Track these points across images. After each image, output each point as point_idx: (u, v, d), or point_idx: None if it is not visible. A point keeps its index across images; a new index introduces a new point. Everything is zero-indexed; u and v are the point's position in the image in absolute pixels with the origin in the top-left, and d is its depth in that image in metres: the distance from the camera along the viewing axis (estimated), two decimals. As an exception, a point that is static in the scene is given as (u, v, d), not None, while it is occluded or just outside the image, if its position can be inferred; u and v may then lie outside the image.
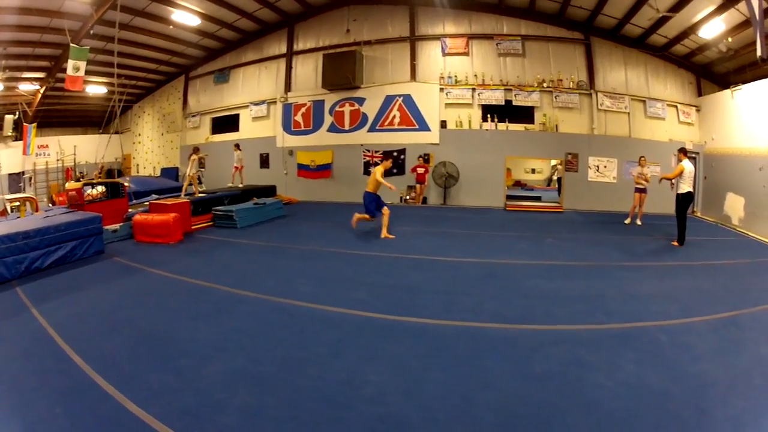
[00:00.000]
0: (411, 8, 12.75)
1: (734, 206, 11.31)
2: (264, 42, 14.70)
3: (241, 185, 11.69)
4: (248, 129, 14.58)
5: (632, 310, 4.40)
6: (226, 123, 15.15)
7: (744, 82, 10.97)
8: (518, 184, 11.61)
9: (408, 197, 12.15)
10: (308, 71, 13.68)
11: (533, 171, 11.77)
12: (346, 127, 12.87)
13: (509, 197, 11.59)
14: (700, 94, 12.33)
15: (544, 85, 11.56)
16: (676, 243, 7.77)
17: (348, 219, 8.08)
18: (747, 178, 10.81)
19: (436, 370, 3.06)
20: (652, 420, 2.63)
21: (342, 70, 12.70)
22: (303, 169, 13.39)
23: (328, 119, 13.12)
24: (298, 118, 13.51)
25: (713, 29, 10.30)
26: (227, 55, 15.46)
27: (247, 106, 14.49)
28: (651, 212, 10.57)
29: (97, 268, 5.80)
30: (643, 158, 9.99)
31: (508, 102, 11.60)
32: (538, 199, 11.73)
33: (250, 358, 3.22)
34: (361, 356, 3.26)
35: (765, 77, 10.24)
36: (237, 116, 14.86)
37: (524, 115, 11.63)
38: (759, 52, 7.82)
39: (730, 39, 10.46)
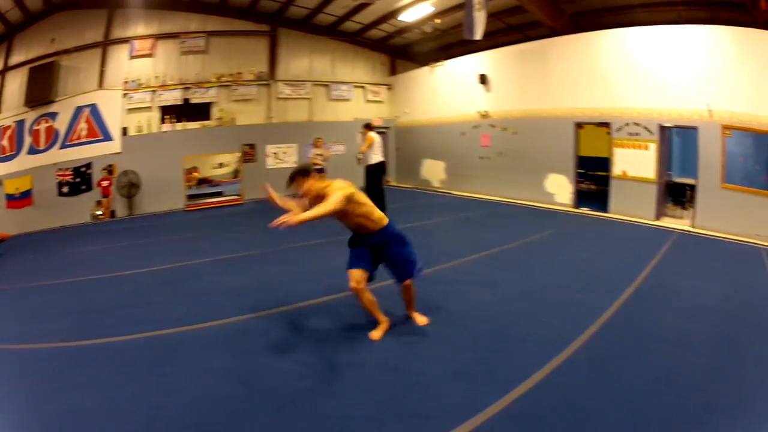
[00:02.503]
0: (110, 11, 11.77)
1: (433, 171, 12.16)
2: (-14, 61, 13.54)
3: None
4: (-31, 160, 13.36)
5: (305, 289, 4.53)
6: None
7: (447, 59, 11.65)
8: (205, 181, 10.75)
9: (98, 213, 11.08)
10: (15, 88, 12.53)
11: (221, 165, 10.90)
12: (42, 147, 11.71)
13: (192, 197, 10.95)
14: (393, 73, 12.26)
15: (223, 79, 10.68)
16: None
17: (49, 249, 7.85)
18: (450, 144, 11.66)
19: (125, 385, 2.95)
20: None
21: (42, 84, 11.62)
22: (11, 200, 12.15)
23: (27, 140, 11.96)
24: (5, 142, 12.30)
25: (418, 13, 10.61)
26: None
27: (-33, 134, 13.29)
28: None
29: None
30: (318, 139, 9.91)
31: (186, 100, 10.70)
32: (220, 194, 11.12)
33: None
34: (49, 387, 2.98)
35: (470, 53, 11.12)
36: (-41, 147, 13.62)
37: (202, 111, 10.78)
38: (470, 35, 8.59)
39: (438, 21, 10.92)
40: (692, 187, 8.60)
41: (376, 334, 3.44)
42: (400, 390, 2.70)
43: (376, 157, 7.88)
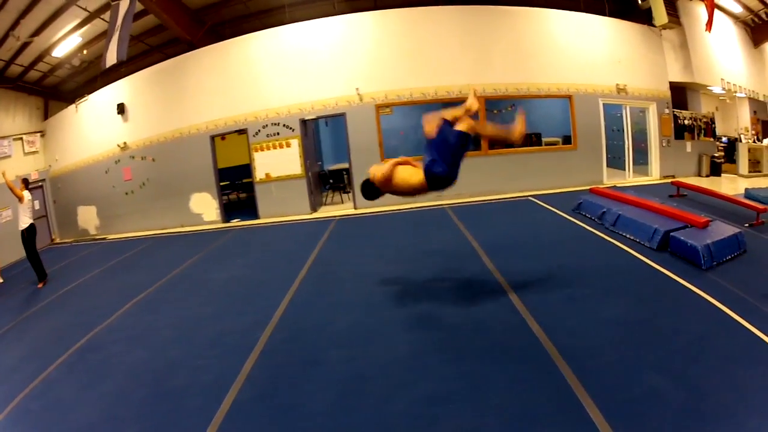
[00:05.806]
0: None
1: (87, 217, 11.33)
2: None
3: None
4: None
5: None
6: None
7: (92, 93, 10.76)
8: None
9: None
10: None
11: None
12: None
13: None
14: (47, 117, 11.48)
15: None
16: (40, 285, 7.03)
17: None
18: (96, 186, 10.78)
19: None
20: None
21: None
22: None
23: None
24: None
25: (68, 46, 9.77)
26: None
27: None
28: (10, 262, 9.24)
29: None
30: None
31: None
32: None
33: None
34: None
35: (115, 82, 10.37)
36: None
37: None
38: (111, 62, 8.10)
39: (85, 51, 10.15)
40: (349, 171, 8.60)
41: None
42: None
43: (27, 220, 6.95)
